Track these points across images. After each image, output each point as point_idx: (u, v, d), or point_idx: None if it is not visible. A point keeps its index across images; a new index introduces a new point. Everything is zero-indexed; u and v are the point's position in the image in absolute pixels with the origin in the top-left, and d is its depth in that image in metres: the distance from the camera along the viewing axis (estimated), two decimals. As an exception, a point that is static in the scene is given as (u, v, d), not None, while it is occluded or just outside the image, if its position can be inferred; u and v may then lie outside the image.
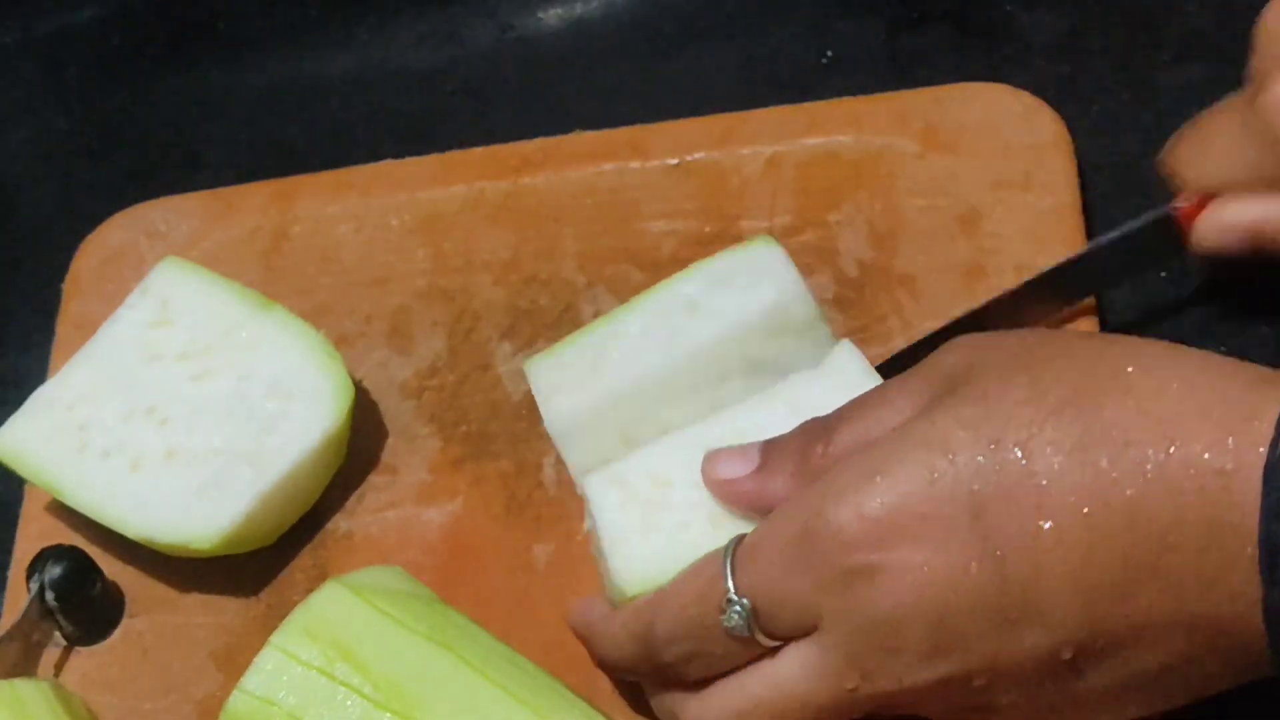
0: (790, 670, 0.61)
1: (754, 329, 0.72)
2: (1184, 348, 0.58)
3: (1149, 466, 0.54)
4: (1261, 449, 0.53)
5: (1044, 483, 0.55)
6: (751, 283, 0.72)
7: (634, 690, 0.71)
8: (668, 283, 0.74)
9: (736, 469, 0.65)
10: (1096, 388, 0.56)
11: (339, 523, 0.78)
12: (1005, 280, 0.76)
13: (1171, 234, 0.72)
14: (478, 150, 0.86)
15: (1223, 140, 0.70)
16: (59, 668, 0.77)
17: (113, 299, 0.82)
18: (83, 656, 0.77)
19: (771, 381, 0.71)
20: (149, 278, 0.81)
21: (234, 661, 0.75)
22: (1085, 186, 0.80)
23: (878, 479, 0.58)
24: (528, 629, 0.72)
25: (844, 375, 0.69)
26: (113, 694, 0.76)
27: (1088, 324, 0.76)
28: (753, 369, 0.72)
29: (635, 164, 0.84)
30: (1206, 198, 0.71)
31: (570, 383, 0.72)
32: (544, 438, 0.74)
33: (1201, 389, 0.55)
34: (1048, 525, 0.55)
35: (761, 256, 0.73)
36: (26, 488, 0.81)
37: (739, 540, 0.63)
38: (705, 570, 0.63)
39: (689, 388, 0.72)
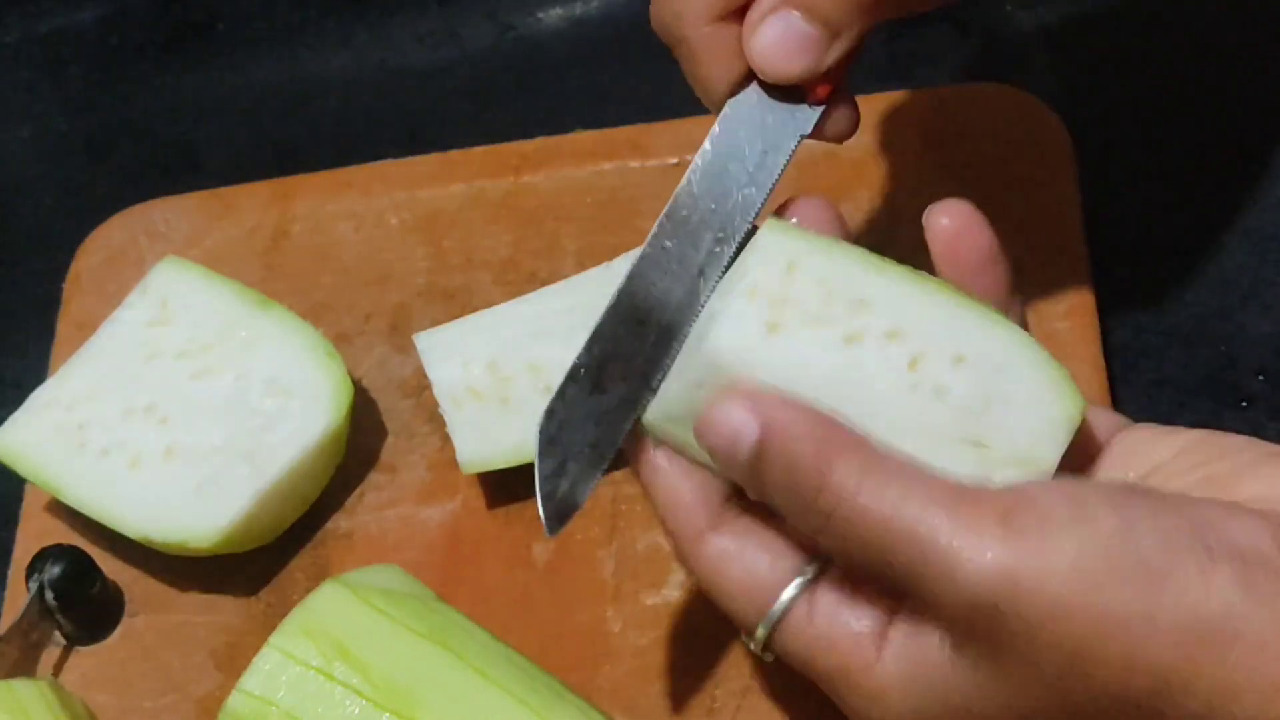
0: None
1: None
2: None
3: None
4: None
5: None
6: None
7: (634, 689, 0.71)
8: None
9: None
10: None
11: (338, 521, 0.78)
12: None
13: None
14: (478, 149, 0.86)
15: None
16: (58, 667, 0.77)
17: (113, 299, 0.82)
18: (82, 656, 0.77)
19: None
20: (149, 277, 0.81)
21: (233, 661, 0.75)
22: (1085, 187, 0.80)
23: None
24: (527, 627, 0.72)
25: None
26: (112, 693, 0.76)
27: (1086, 317, 0.76)
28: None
29: (635, 163, 0.84)
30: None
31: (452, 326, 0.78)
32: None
33: None
34: None
35: None
36: (26, 487, 0.81)
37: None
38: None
39: (564, 328, 0.76)
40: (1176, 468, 0.59)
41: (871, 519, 0.55)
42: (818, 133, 0.64)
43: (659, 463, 0.62)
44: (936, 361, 0.59)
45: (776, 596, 0.60)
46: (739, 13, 0.62)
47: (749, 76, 0.63)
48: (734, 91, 0.64)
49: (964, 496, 0.55)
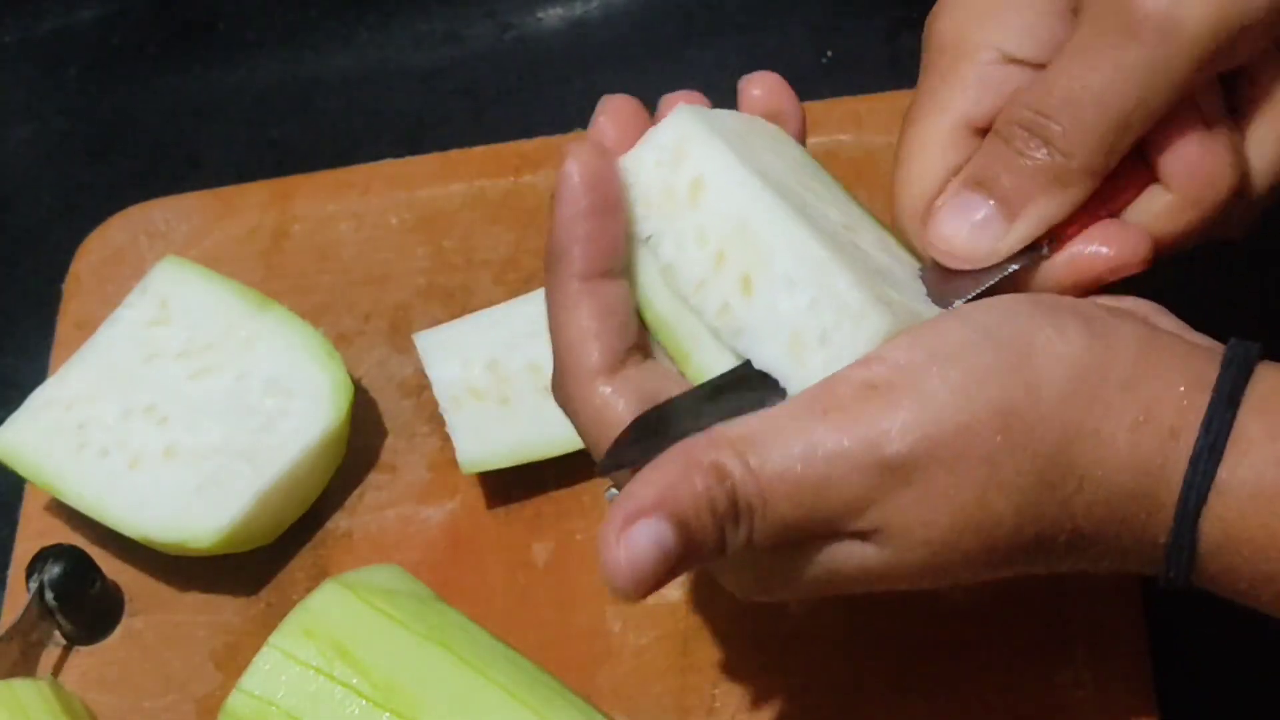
0: None
1: None
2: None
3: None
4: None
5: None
6: None
7: (634, 689, 0.71)
8: None
9: None
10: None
11: (338, 521, 0.78)
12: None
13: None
14: (478, 149, 0.86)
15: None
16: (58, 667, 0.77)
17: (113, 299, 0.82)
18: (82, 656, 0.77)
19: None
20: (148, 277, 0.81)
21: (233, 660, 0.75)
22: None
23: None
24: (527, 628, 0.72)
25: None
26: (112, 693, 0.76)
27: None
28: None
29: (635, 163, 0.84)
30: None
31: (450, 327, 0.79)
32: (543, 436, 0.75)
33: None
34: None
35: None
36: (26, 487, 0.81)
37: None
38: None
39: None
40: None
41: (791, 499, 0.56)
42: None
43: (578, 295, 0.62)
44: (865, 233, 0.61)
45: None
46: None
47: None
48: None
49: (826, 407, 0.55)
